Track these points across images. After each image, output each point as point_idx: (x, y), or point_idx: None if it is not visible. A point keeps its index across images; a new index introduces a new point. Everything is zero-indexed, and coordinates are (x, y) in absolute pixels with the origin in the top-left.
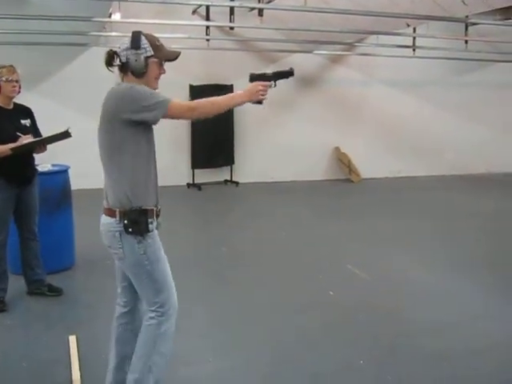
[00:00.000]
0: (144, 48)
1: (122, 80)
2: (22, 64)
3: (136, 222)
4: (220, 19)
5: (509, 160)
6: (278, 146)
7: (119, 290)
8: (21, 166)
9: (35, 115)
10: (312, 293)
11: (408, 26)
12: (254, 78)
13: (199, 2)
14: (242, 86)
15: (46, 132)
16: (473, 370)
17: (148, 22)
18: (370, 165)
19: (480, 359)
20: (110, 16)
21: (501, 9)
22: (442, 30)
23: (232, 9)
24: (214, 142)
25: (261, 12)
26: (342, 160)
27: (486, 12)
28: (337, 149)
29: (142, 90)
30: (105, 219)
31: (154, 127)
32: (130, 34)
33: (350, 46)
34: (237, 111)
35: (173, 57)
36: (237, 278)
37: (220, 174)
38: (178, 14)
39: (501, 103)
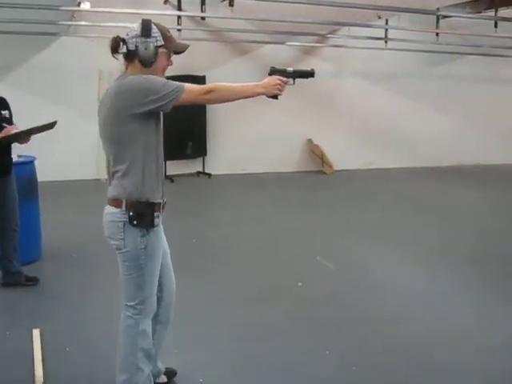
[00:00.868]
0: (155, 37)
1: (127, 69)
2: None
3: (142, 214)
4: (191, 9)
5: (480, 152)
6: (251, 137)
7: None
8: (2, 156)
9: None
10: (280, 284)
11: (379, 18)
12: (273, 71)
13: None
14: (215, 77)
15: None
16: (439, 360)
17: (118, 11)
18: (343, 156)
19: (446, 348)
20: (78, 5)
21: (471, 2)
22: (414, 22)
23: None
24: (186, 132)
25: (231, 2)
26: (314, 152)
27: (456, 5)
28: (309, 141)
29: (156, 79)
30: (109, 209)
31: None
32: (140, 22)
33: (323, 38)
34: None
35: (182, 49)
36: (204, 269)
37: (192, 166)
38: (150, 4)
39: (472, 96)
